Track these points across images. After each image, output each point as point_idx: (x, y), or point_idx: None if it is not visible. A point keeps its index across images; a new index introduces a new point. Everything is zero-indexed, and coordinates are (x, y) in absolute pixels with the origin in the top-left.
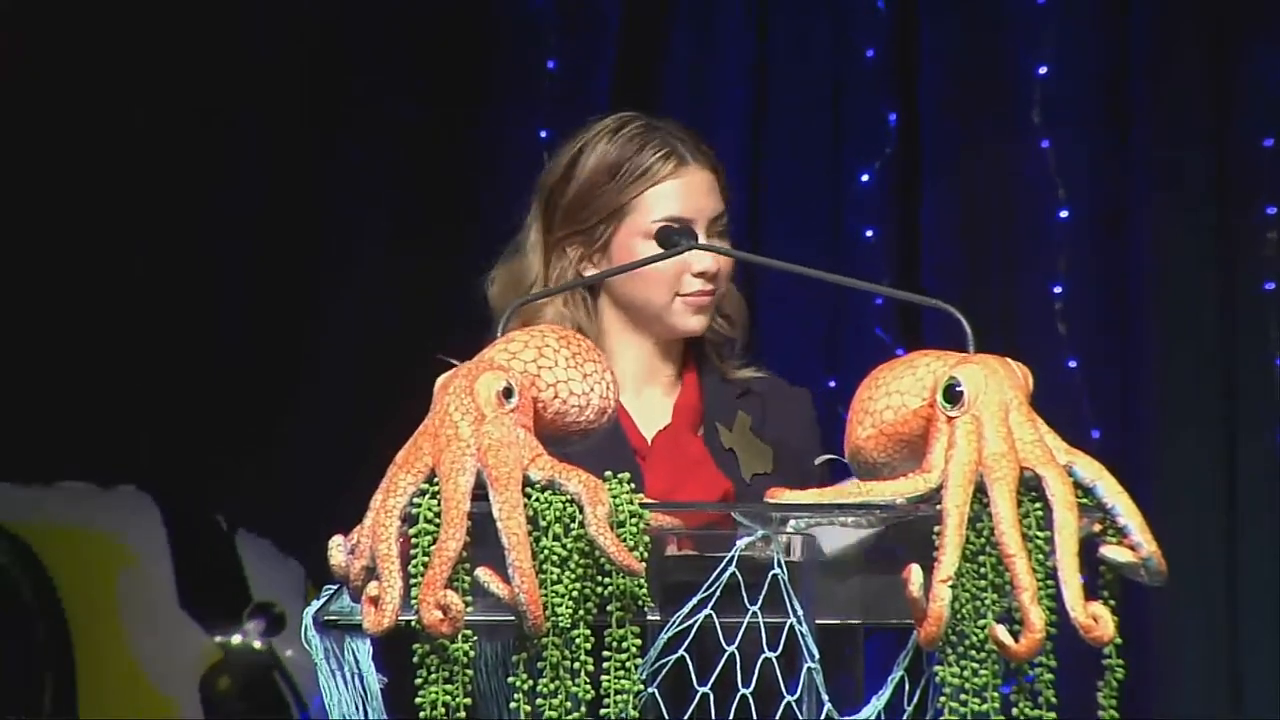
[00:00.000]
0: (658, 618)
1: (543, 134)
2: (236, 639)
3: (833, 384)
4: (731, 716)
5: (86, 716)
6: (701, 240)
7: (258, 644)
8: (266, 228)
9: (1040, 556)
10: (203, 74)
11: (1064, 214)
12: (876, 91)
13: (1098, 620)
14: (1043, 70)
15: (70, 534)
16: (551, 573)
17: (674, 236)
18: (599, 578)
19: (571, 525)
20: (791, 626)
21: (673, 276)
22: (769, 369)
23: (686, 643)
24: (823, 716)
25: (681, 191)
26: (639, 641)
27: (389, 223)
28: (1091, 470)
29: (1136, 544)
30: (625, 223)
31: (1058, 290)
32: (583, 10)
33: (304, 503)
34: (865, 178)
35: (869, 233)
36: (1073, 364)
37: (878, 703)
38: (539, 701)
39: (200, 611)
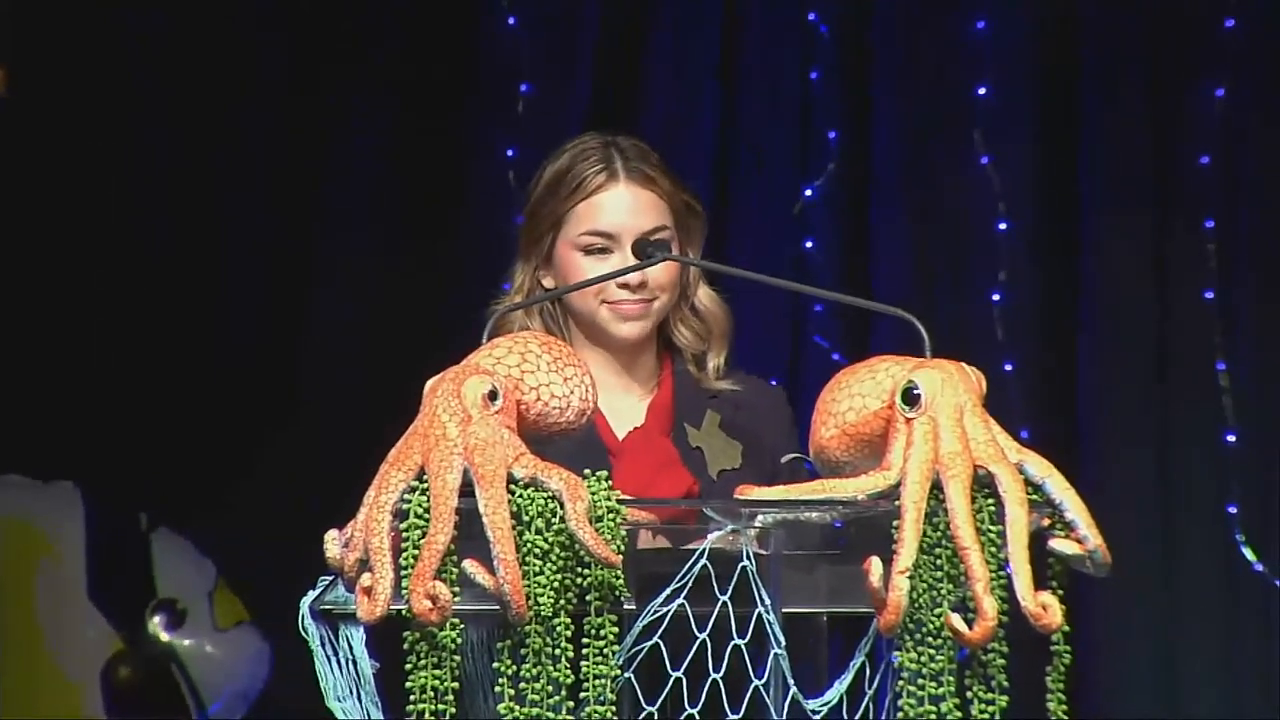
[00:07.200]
0: (634, 607)
1: (510, 153)
2: (139, 632)
3: (773, 384)
4: (703, 700)
5: None
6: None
7: (161, 638)
8: (234, 234)
9: (993, 549)
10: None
11: (1003, 226)
12: (822, 111)
13: (1047, 609)
14: (982, 91)
15: None
16: (534, 564)
17: (648, 249)
18: (578, 569)
19: (553, 520)
20: (760, 615)
21: (599, 285)
22: (742, 370)
23: (661, 631)
24: (788, 700)
25: (607, 206)
26: (616, 629)
27: (350, 237)
28: (1041, 468)
29: (1083, 537)
30: (561, 234)
31: (996, 298)
32: (557, 33)
33: (225, 503)
34: (809, 192)
35: (809, 243)
36: (1009, 367)
37: (840, 686)
38: (522, 685)
39: (106, 603)
